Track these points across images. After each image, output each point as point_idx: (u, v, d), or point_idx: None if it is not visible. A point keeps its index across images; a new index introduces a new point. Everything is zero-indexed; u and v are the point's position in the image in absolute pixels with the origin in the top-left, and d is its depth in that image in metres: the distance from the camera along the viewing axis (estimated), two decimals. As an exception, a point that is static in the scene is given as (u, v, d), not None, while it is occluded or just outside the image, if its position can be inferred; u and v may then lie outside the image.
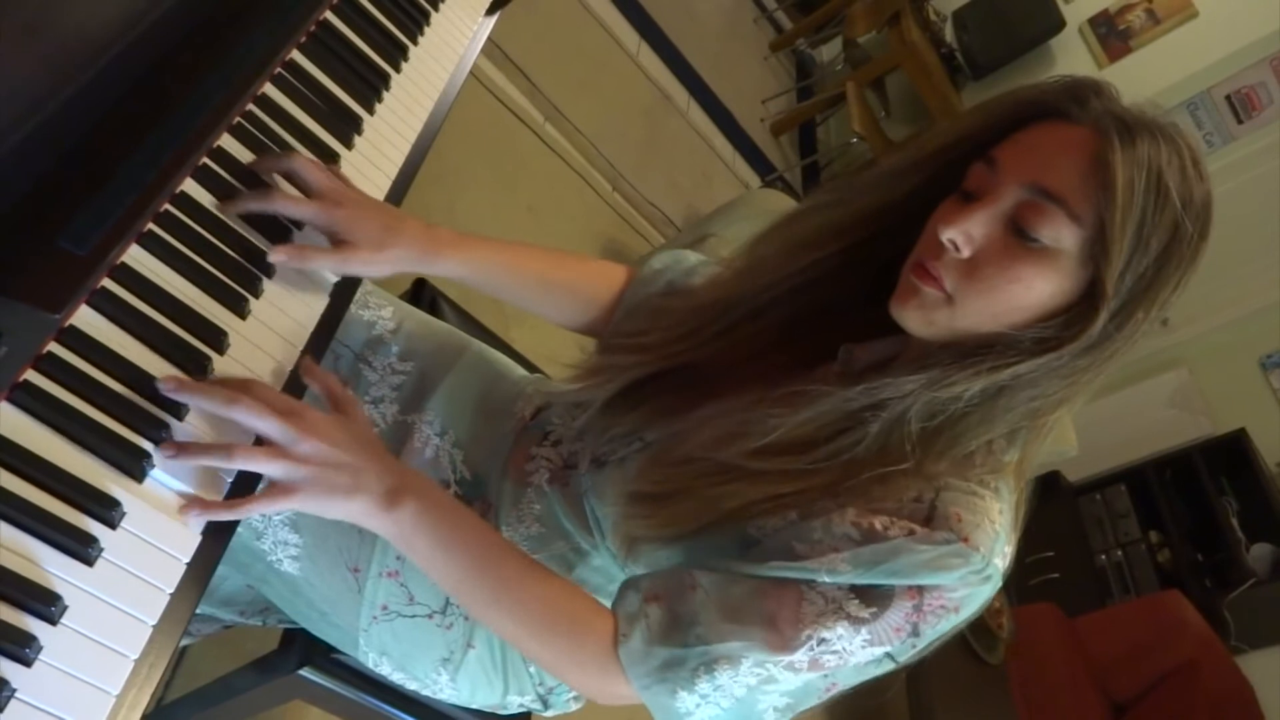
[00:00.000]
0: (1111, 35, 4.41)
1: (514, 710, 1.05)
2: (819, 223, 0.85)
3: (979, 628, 2.80)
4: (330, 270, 0.86)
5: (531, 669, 0.98)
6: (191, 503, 0.67)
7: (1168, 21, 4.26)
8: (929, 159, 0.81)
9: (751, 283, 0.88)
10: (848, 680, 0.78)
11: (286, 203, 0.82)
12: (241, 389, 0.71)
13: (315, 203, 0.83)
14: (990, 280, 0.74)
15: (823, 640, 0.73)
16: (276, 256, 0.80)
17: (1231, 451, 3.86)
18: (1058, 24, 4.46)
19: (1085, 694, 3.17)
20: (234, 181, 0.80)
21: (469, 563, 0.78)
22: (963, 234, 0.74)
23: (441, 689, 0.98)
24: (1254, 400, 4.03)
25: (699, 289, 0.95)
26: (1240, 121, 4.05)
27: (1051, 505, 4.08)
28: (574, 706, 1.05)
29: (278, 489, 0.71)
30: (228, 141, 0.81)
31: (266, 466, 0.70)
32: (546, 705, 1.03)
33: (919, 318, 0.77)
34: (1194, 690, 3.00)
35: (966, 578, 0.73)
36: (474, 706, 1.02)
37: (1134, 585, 3.78)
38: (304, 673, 0.99)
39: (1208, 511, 3.78)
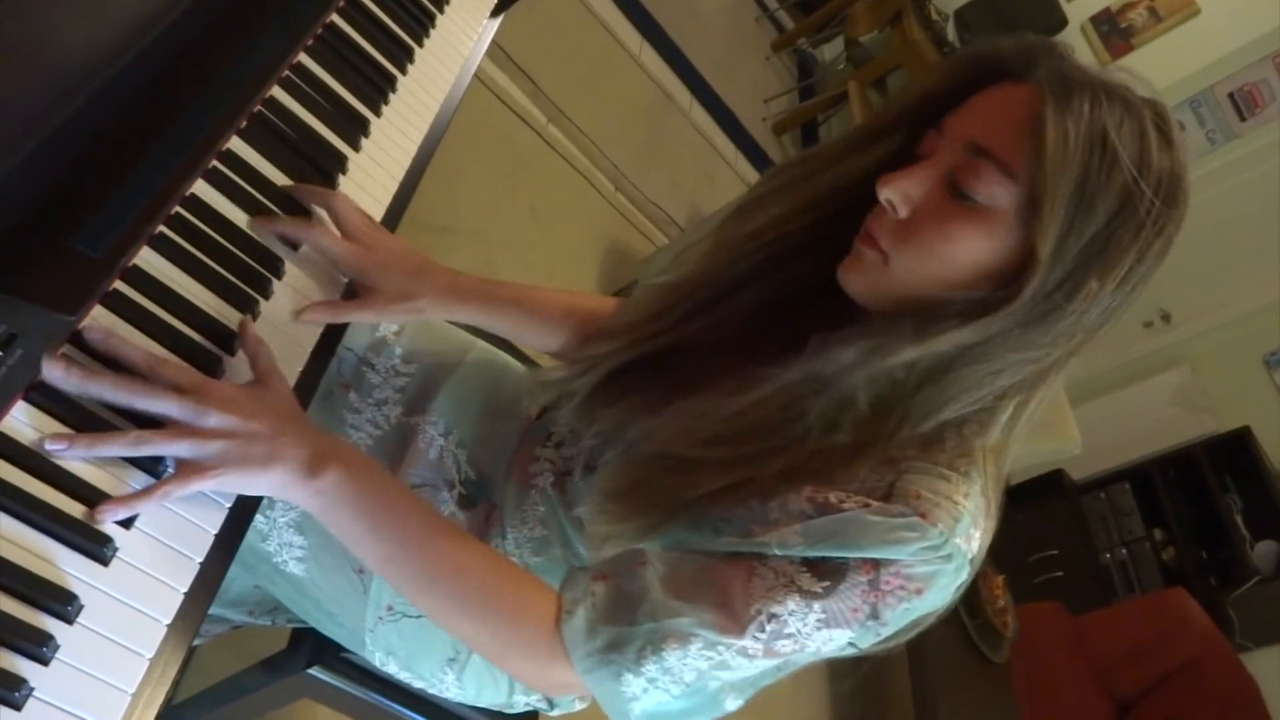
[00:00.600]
0: (1113, 33, 4.41)
1: (520, 709, 1.05)
2: (784, 198, 0.83)
3: (984, 626, 2.80)
4: (358, 320, 0.88)
5: (538, 669, 0.99)
6: (103, 506, 0.62)
7: (1169, 19, 4.27)
8: (891, 125, 0.79)
9: (718, 261, 0.86)
10: (803, 662, 0.75)
11: (324, 238, 0.84)
12: (147, 365, 0.66)
13: (348, 245, 0.86)
14: (924, 239, 0.72)
15: (773, 616, 0.70)
16: (311, 316, 0.82)
17: (1235, 449, 3.86)
18: (1059, 22, 4.46)
19: (1089, 692, 3.17)
20: (244, 184, 0.81)
21: (398, 536, 0.73)
22: (899, 193, 0.73)
23: (448, 688, 0.98)
24: (1258, 398, 4.03)
25: (673, 274, 0.93)
26: (1243, 119, 4.05)
27: (1055, 504, 4.08)
28: (579, 706, 1.06)
29: (188, 468, 0.66)
30: (237, 145, 0.81)
31: (169, 446, 0.65)
32: (552, 705, 1.04)
33: (860, 281, 0.77)
34: (1198, 688, 3.00)
35: (922, 553, 0.70)
36: (480, 705, 1.03)
37: (1138, 583, 3.78)
38: (313, 672, 1.00)
39: (1212, 509, 3.78)
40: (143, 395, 0.65)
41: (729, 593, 0.71)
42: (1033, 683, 3.13)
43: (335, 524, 0.73)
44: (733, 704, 0.76)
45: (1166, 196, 0.70)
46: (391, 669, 0.97)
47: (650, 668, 0.72)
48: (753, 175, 4.07)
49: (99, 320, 0.66)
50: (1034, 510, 4.02)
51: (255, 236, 0.80)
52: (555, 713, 1.06)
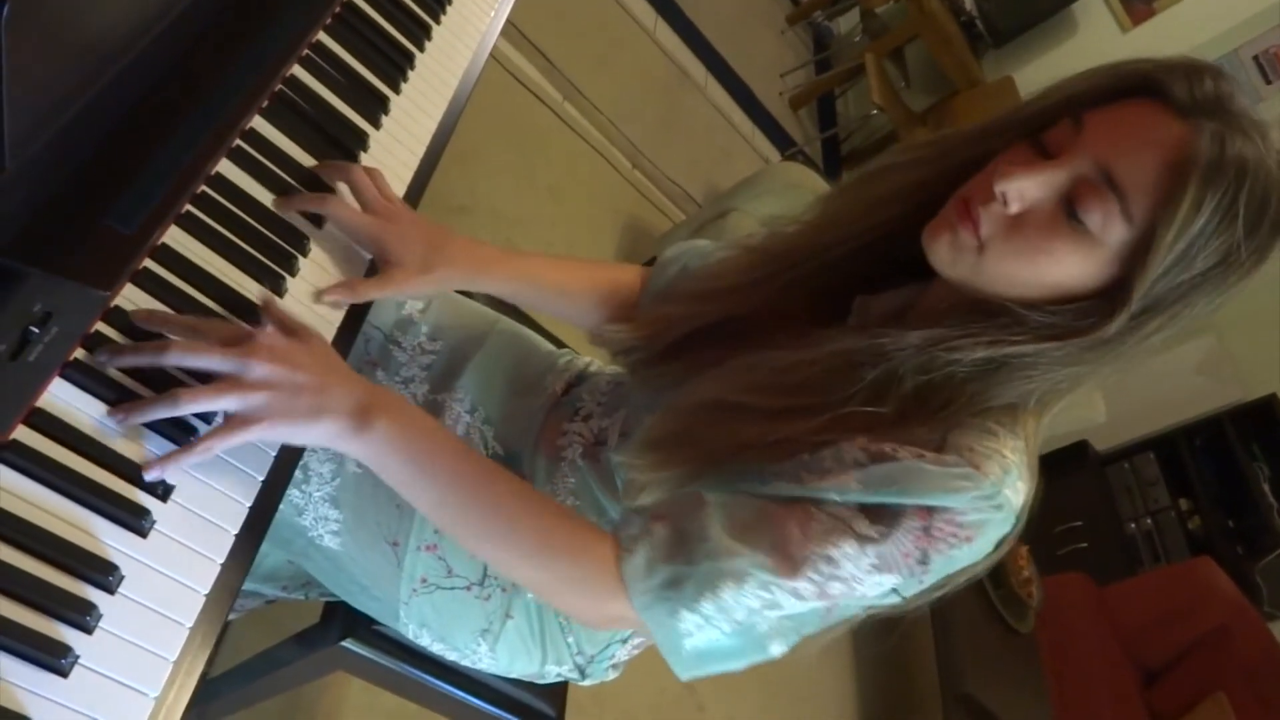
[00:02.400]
0: (1135, -2, 4.34)
1: (552, 680, 1.06)
2: (904, 176, 0.83)
3: (1010, 597, 2.80)
4: (381, 297, 0.87)
5: (570, 639, 1.00)
6: (151, 463, 0.64)
7: (1192, -18, 4.19)
8: (1026, 117, 0.77)
9: (825, 235, 0.86)
10: (849, 608, 0.76)
11: (340, 210, 0.84)
12: (189, 326, 0.67)
13: (368, 217, 0.86)
14: (1025, 243, 0.72)
15: (829, 559, 0.71)
16: (332, 296, 0.82)
17: (1262, 417, 3.82)
18: (1080, -13, 4.40)
19: (1116, 662, 3.17)
20: (266, 162, 0.81)
21: (451, 482, 0.74)
22: (1016, 190, 0.71)
23: (481, 659, 1.00)
24: (1284, 366, 3.98)
25: (766, 240, 0.92)
26: (1269, 81, 3.98)
27: (1079, 474, 4.06)
28: (612, 675, 1.07)
29: (235, 420, 0.66)
30: (260, 123, 0.82)
31: (216, 402, 0.65)
32: (584, 675, 1.05)
33: (947, 254, 0.76)
34: (1226, 656, 2.99)
35: (976, 502, 0.71)
36: (513, 676, 1.04)
37: (1164, 553, 3.76)
38: (346, 644, 1.02)
39: (1238, 478, 3.75)
40: (187, 353, 0.65)
41: (786, 535, 0.72)
42: (1059, 653, 3.13)
43: (386, 471, 0.73)
44: (777, 649, 0.77)
45: (1258, 259, 0.70)
46: (425, 641, 0.99)
47: (706, 605, 0.72)
48: (770, 150, 4.05)
49: (130, 298, 0.67)
50: (1058, 481, 4.00)
51: (280, 214, 0.81)
52: (586, 683, 1.07)
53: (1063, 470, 4.06)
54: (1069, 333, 0.71)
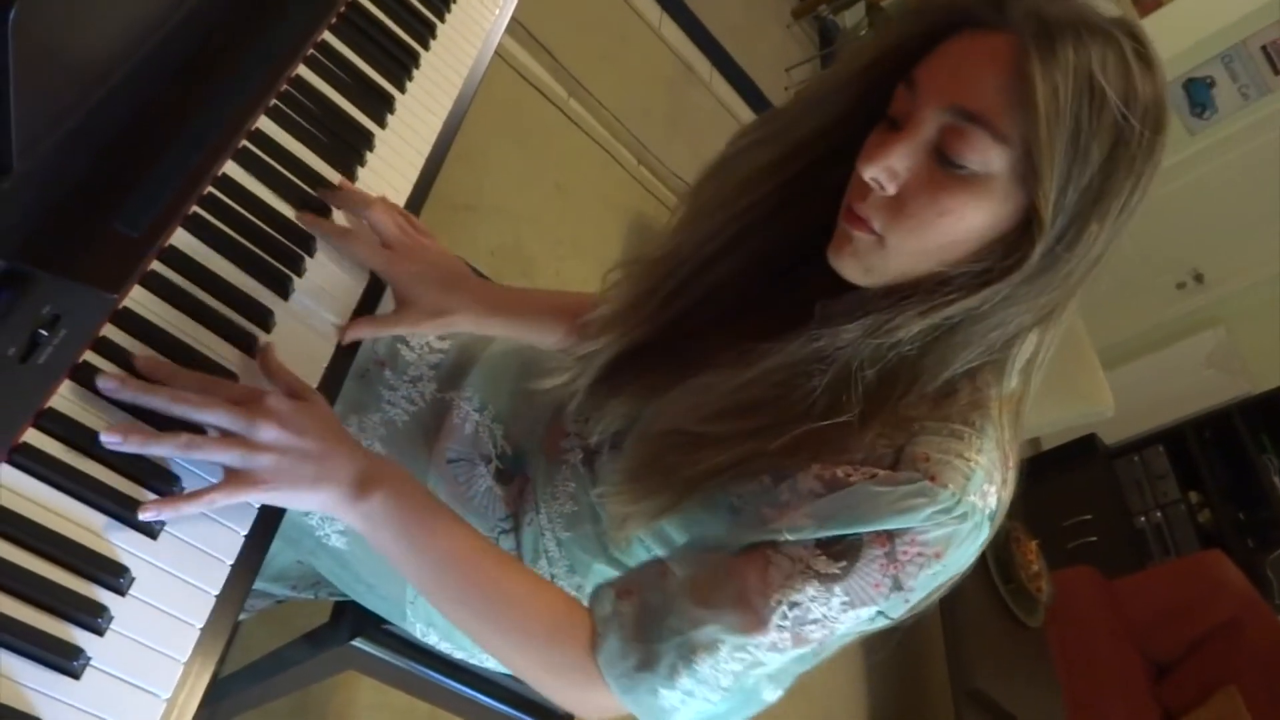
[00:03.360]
0: (1142, -12, 4.31)
1: (560, 676, 1.06)
2: (751, 160, 0.80)
3: (1018, 591, 2.79)
4: (390, 334, 0.89)
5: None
6: (150, 504, 0.63)
7: (1200, -28, 4.16)
8: (856, 77, 0.74)
9: (695, 232, 0.83)
10: (836, 645, 0.74)
11: (359, 249, 0.86)
12: (188, 387, 0.67)
13: (384, 255, 0.87)
14: (919, 215, 0.69)
15: (794, 605, 0.69)
16: (354, 334, 0.83)
17: (1271, 409, 3.81)
18: (1086, -21, 4.36)
19: (1126, 655, 3.16)
20: (274, 164, 0.81)
21: (439, 559, 0.73)
22: (885, 170, 0.69)
23: (487, 658, 1.00)
24: (1294, 357, 3.97)
25: (652, 249, 0.89)
26: (1277, 72, 3.95)
27: (1088, 468, 4.05)
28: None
29: (240, 479, 0.67)
30: (265, 124, 0.82)
31: (222, 455, 0.66)
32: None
33: (855, 265, 0.73)
34: (1237, 649, 2.98)
35: (935, 517, 0.68)
36: (520, 673, 1.04)
37: (1174, 546, 3.75)
38: (356, 644, 1.02)
39: (1248, 470, 3.73)
40: (198, 407, 0.66)
41: (746, 588, 0.70)
42: (1069, 647, 3.12)
43: (379, 544, 0.73)
44: (771, 695, 0.76)
45: (1154, 124, 0.67)
46: (432, 640, 0.99)
47: (684, 680, 0.71)
48: (775, 145, 4.04)
49: (138, 299, 0.67)
50: (1067, 475, 3.99)
51: (280, 211, 0.81)
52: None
53: (1071, 464, 4.05)
54: (1000, 273, 0.68)
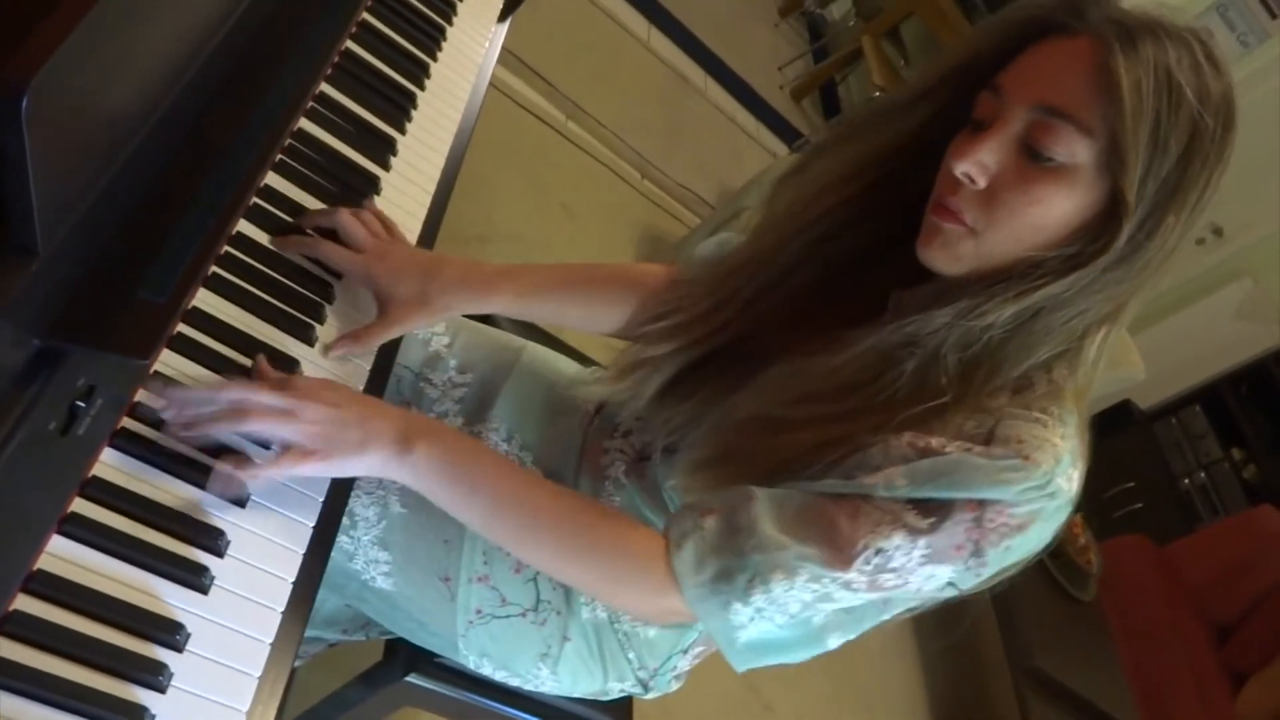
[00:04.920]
0: (1129, -53, 4.29)
1: (615, 696, 1.07)
2: (832, 167, 0.85)
3: (1067, 566, 2.76)
4: (386, 339, 0.88)
5: (630, 655, 1.00)
6: (217, 478, 0.68)
7: (1188, -76, 4.13)
8: (936, 87, 0.80)
9: (774, 239, 0.87)
10: (905, 603, 0.77)
11: (331, 253, 0.86)
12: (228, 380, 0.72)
13: (357, 258, 0.87)
14: (1010, 205, 0.74)
15: (880, 551, 0.71)
16: (338, 351, 0.84)
17: (1308, 356, 3.76)
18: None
19: (1185, 620, 3.12)
20: (285, 217, 0.83)
21: (496, 495, 0.77)
22: (976, 164, 0.74)
23: (544, 682, 1.00)
24: (1325, 300, 3.91)
25: (724, 257, 0.94)
26: (1274, 17, 3.91)
27: (1126, 434, 4.01)
28: (675, 686, 1.07)
29: (295, 451, 0.71)
30: (273, 178, 0.84)
31: (279, 428, 0.71)
32: (647, 689, 1.05)
33: (945, 256, 0.77)
34: (1300, 602, 2.94)
35: (1027, 492, 0.71)
36: (577, 695, 1.05)
37: (1222, 505, 3.70)
38: (411, 679, 1.03)
39: (1290, 421, 3.69)
40: (246, 393, 0.70)
41: (835, 528, 0.73)
42: (1126, 618, 3.08)
43: (432, 492, 0.77)
44: (835, 641, 0.78)
45: (1225, 121, 0.72)
46: (487, 670, 1.00)
47: (757, 598, 0.74)
48: (777, 145, 4.05)
49: (167, 362, 0.69)
50: (1106, 443, 3.94)
51: (297, 261, 0.83)
52: (650, 696, 1.07)
53: (1109, 432, 4.00)
54: (1088, 257, 0.73)
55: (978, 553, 0.72)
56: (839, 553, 0.72)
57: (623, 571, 0.78)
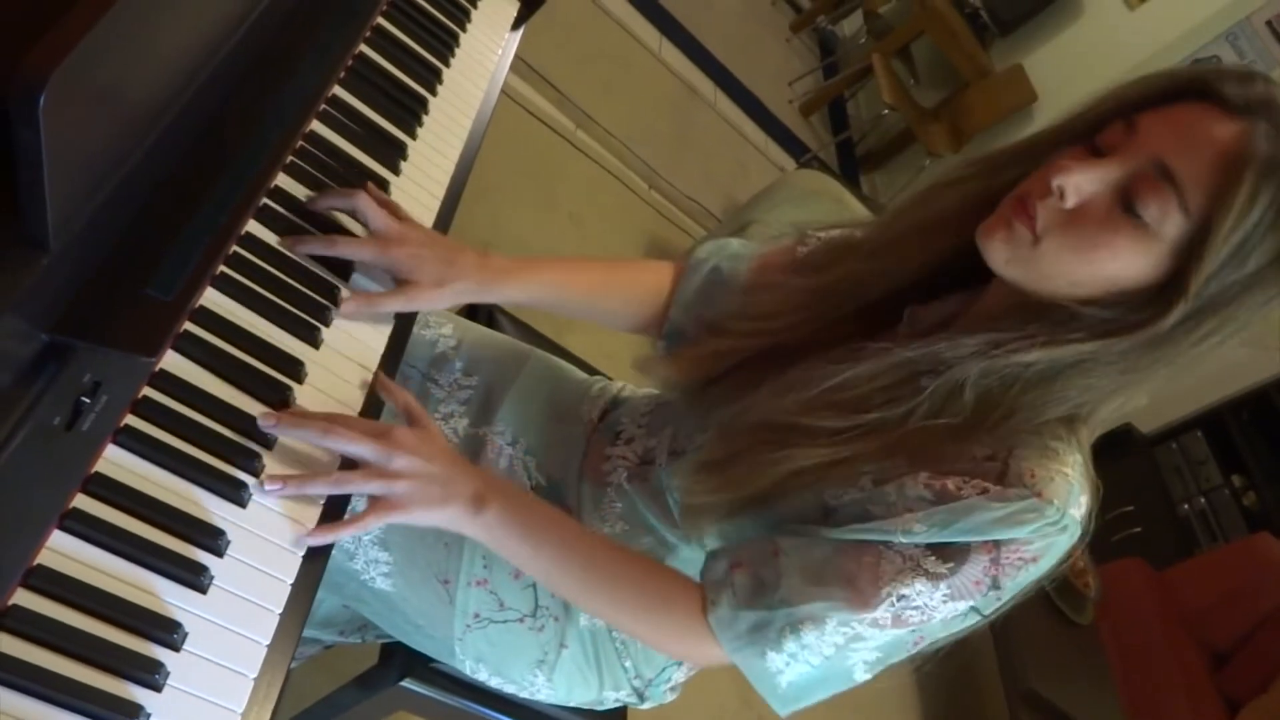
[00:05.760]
0: (1144, -32, 4.30)
1: (610, 705, 1.07)
2: (956, 197, 0.83)
3: (1065, 589, 2.76)
4: (396, 310, 0.89)
5: (626, 663, 1.00)
6: (315, 529, 0.72)
7: (1201, -50, 4.14)
8: (1076, 125, 0.78)
9: (886, 262, 0.87)
10: (934, 634, 0.79)
11: (350, 247, 0.86)
12: (331, 418, 0.76)
13: (376, 243, 0.87)
14: (1081, 236, 0.72)
15: (903, 597, 0.75)
16: (347, 309, 0.84)
17: (1310, 385, 3.76)
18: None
19: (1182, 646, 3.11)
20: (293, 218, 0.83)
21: (556, 553, 0.83)
22: (1073, 184, 0.72)
23: (539, 690, 1.00)
24: (1328, 329, 3.90)
25: (823, 268, 0.93)
26: (1284, 46, 3.93)
27: (1127, 459, 4.01)
28: (670, 698, 1.07)
29: (382, 504, 0.76)
30: (283, 180, 0.84)
31: (365, 486, 0.75)
32: (643, 699, 1.05)
33: (1003, 250, 0.76)
34: (1297, 631, 2.93)
35: (1042, 530, 0.74)
36: (571, 704, 1.05)
37: (1221, 532, 3.69)
38: (406, 684, 1.03)
39: (1291, 449, 3.68)
40: (345, 439, 0.74)
41: (859, 577, 0.76)
42: (1122, 641, 3.08)
43: (501, 548, 0.83)
44: (861, 675, 0.82)
45: None
46: (482, 675, 1.00)
47: (790, 645, 0.79)
48: (784, 159, 4.06)
49: (172, 362, 0.69)
50: (1106, 467, 3.87)
51: (304, 263, 0.83)
52: (646, 706, 1.07)
53: (1110, 456, 4.00)
54: (1126, 328, 0.72)
55: (995, 585, 0.76)
56: (862, 598, 0.76)
57: (666, 623, 0.85)
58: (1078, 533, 0.76)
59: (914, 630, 0.78)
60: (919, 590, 0.75)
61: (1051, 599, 2.72)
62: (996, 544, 0.74)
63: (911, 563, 0.75)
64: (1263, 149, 0.68)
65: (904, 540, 0.75)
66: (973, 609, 0.77)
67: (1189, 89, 0.73)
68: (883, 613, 0.76)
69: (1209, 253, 0.69)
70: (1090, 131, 0.75)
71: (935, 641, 0.80)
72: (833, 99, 4.68)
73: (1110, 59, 3.99)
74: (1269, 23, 3.93)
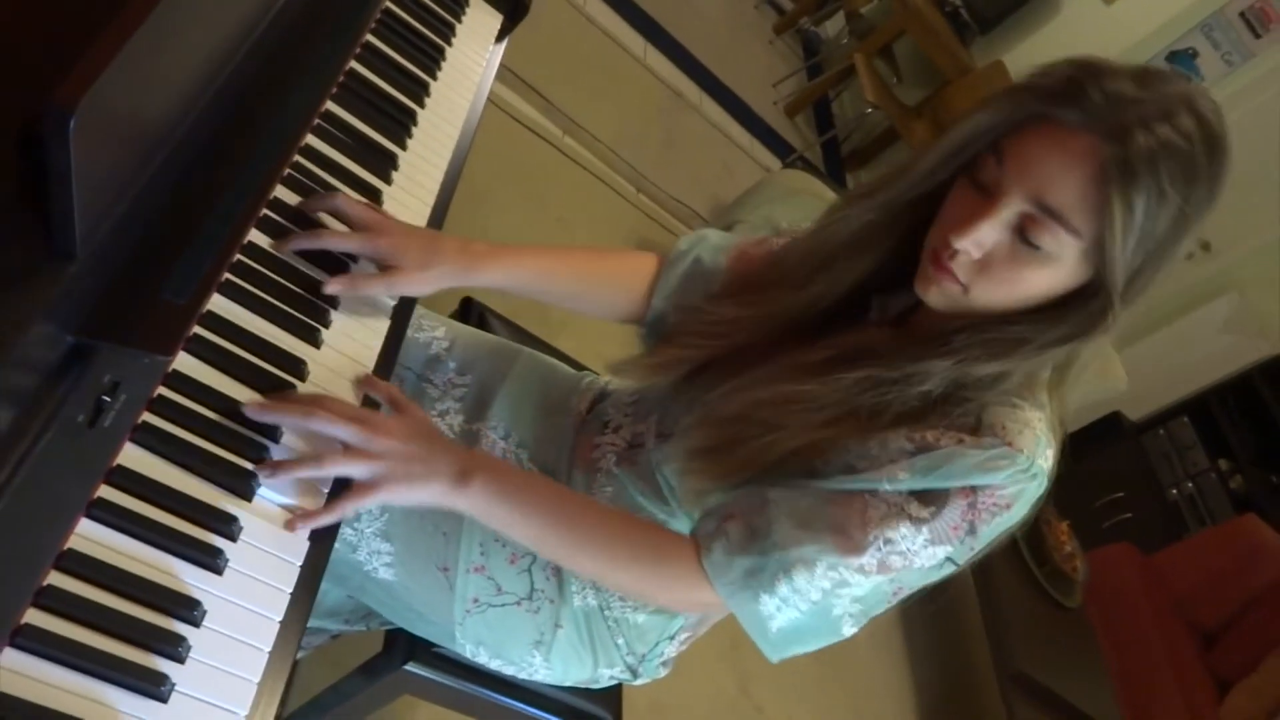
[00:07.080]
0: (1118, -37, 4.36)
1: (605, 683, 1.11)
2: (858, 228, 0.91)
3: (1053, 572, 2.81)
4: (382, 294, 0.94)
5: (619, 640, 1.05)
6: (296, 516, 0.76)
7: (1175, -59, 4.20)
8: (949, 158, 0.85)
9: (815, 289, 0.94)
10: (912, 584, 0.86)
11: (335, 238, 0.90)
12: (314, 403, 0.79)
13: (360, 235, 0.91)
14: (999, 277, 0.81)
15: (889, 540, 0.81)
16: (332, 288, 0.88)
17: (1292, 369, 3.81)
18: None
19: (1171, 628, 3.16)
20: (289, 225, 0.88)
21: (547, 516, 0.87)
22: (972, 242, 0.80)
23: (537, 670, 1.05)
24: (1310, 314, 3.96)
25: (756, 301, 0.99)
26: (1258, 36, 3.99)
27: (1116, 446, 4.06)
28: (662, 673, 1.12)
29: (364, 486, 0.79)
30: (282, 191, 0.89)
31: (351, 468, 0.79)
32: (636, 675, 1.10)
33: (940, 300, 0.86)
34: (1282, 610, 2.98)
35: (1014, 476, 0.81)
36: (568, 684, 1.09)
37: (1209, 515, 3.74)
38: (409, 668, 1.07)
39: (1276, 433, 3.73)
40: (326, 422, 0.78)
41: (848, 522, 0.82)
42: (1112, 625, 3.13)
43: (491, 519, 0.86)
44: (849, 629, 0.88)
45: (1211, 199, 0.78)
46: (482, 658, 1.05)
47: (782, 588, 0.84)
48: (770, 160, 4.11)
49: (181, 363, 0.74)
50: (1095, 455, 4.00)
51: (302, 268, 0.88)
52: (639, 682, 1.12)
53: (1098, 444, 4.06)
54: (1082, 335, 0.82)
55: (972, 531, 0.83)
56: (852, 543, 0.82)
57: (660, 573, 0.89)
58: (1045, 483, 0.84)
59: (893, 579, 0.84)
60: (903, 534, 0.81)
61: (1040, 583, 2.77)
62: (974, 489, 0.81)
63: (896, 508, 0.82)
64: (1115, 157, 0.74)
65: (889, 487, 0.82)
66: (948, 559, 0.84)
67: (1030, 116, 0.79)
68: (869, 558, 0.82)
69: (1112, 258, 0.77)
70: (967, 167, 0.83)
71: (911, 591, 0.87)
72: (817, 99, 4.74)
73: (1088, 53, 4.04)
74: (1242, 14, 3.99)
